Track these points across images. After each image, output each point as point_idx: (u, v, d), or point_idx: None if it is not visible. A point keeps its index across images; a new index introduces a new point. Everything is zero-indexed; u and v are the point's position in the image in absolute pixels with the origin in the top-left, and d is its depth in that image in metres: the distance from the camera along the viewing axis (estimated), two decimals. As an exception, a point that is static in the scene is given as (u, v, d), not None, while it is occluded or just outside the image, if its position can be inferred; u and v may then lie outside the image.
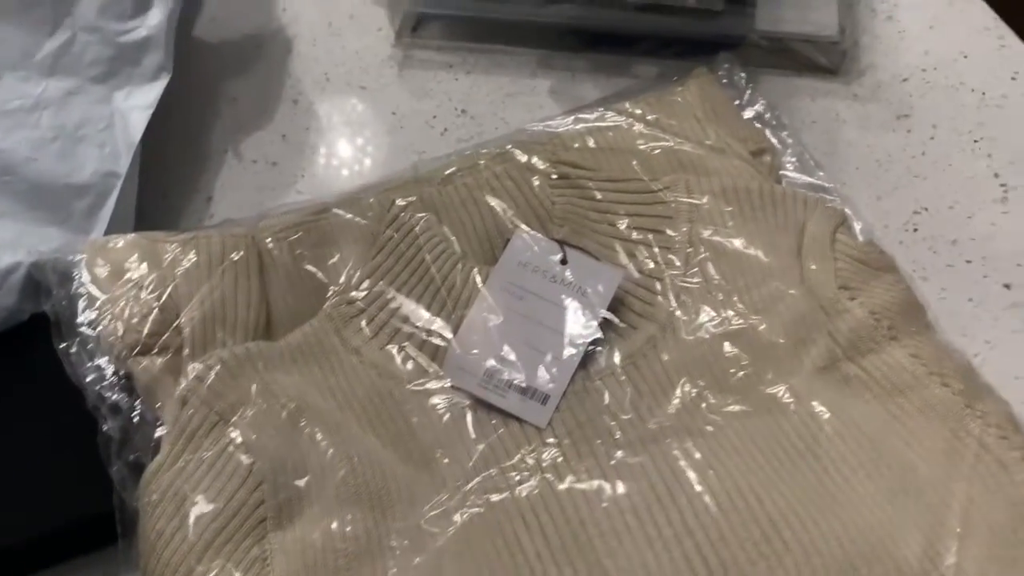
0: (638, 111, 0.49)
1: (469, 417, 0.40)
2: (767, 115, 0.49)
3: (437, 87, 0.54)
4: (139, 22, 0.46)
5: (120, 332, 0.39)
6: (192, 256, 0.42)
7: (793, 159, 0.48)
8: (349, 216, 0.44)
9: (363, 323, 0.42)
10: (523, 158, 0.47)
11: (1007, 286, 0.45)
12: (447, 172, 0.47)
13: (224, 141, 0.52)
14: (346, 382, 0.41)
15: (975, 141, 0.50)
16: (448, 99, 0.54)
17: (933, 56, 0.53)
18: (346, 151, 0.52)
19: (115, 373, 0.38)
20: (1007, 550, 0.35)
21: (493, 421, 0.40)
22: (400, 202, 0.45)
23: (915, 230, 0.47)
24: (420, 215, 0.44)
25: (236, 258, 0.42)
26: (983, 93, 0.52)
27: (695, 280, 0.42)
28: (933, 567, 0.34)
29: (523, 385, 0.40)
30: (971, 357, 0.43)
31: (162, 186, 0.50)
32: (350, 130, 0.53)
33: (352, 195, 0.46)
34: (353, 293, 0.42)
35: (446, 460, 0.39)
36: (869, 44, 0.54)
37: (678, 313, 0.41)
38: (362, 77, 0.55)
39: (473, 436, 0.39)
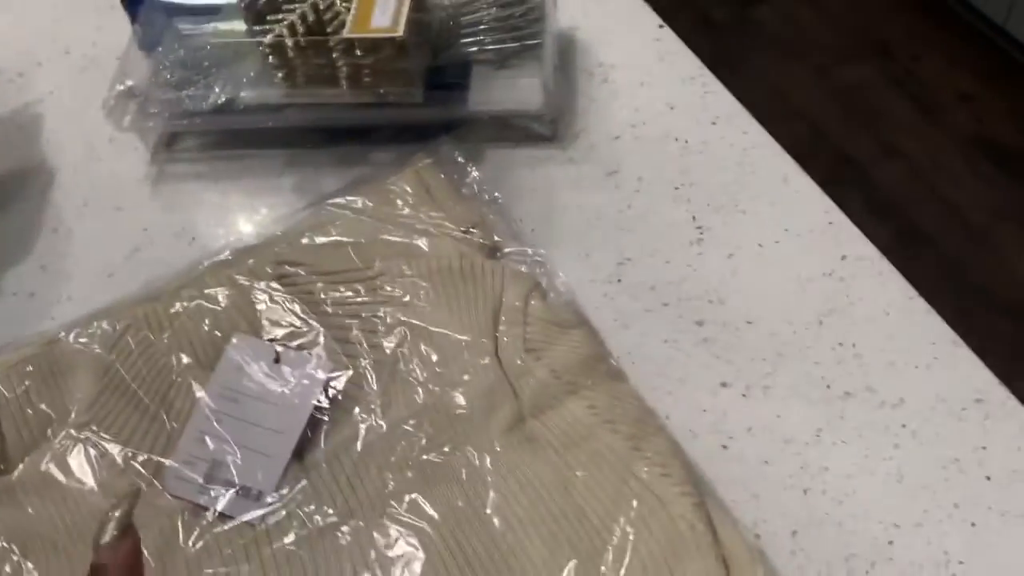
0: (356, 203, 0.52)
1: (183, 525, 0.42)
2: (482, 191, 0.53)
3: (189, 198, 0.57)
4: None
5: None
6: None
7: (505, 229, 0.51)
8: (77, 344, 0.47)
9: (87, 451, 0.44)
10: (246, 264, 0.50)
11: (699, 323, 0.48)
12: (175, 287, 0.50)
13: (-13, 277, 0.55)
14: (74, 509, 0.43)
15: (675, 188, 0.54)
16: (198, 208, 0.57)
17: (642, 112, 0.57)
18: (99, 273, 0.54)
19: None
20: (659, 581, 0.38)
21: (209, 523, 0.42)
22: (123, 325, 0.48)
23: (619, 281, 0.51)
24: (143, 334, 0.47)
25: (-35, 400, 0.45)
26: (686, 141, 0.56)
27: (398, 365, 0.45)
28: (584, 607, 0.37)
29: (239, 485, 0.43)
30: (665, 395, 0.46)
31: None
32: (105, 252, 0.55)
33: (86, 319, 0.49)
34: (79, 421, 0.45)
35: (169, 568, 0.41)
36: (585, 107, 0.58)
37: (379, 402, 0.45)
38: (118, 198, 0.58)
39: (190, 544, 0.42)
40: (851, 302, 0.48)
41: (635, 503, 0.40)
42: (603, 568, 0.38)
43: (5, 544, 0.41)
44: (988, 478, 0.42)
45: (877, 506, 0.42)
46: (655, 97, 0.58)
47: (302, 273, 0.49)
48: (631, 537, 0.39)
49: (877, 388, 0.45)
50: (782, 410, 0.45)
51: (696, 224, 0.52)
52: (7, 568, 0.41)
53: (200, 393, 0.45)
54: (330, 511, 0.42)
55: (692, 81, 0.58)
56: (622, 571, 0.38)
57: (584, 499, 0.40)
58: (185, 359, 0.47)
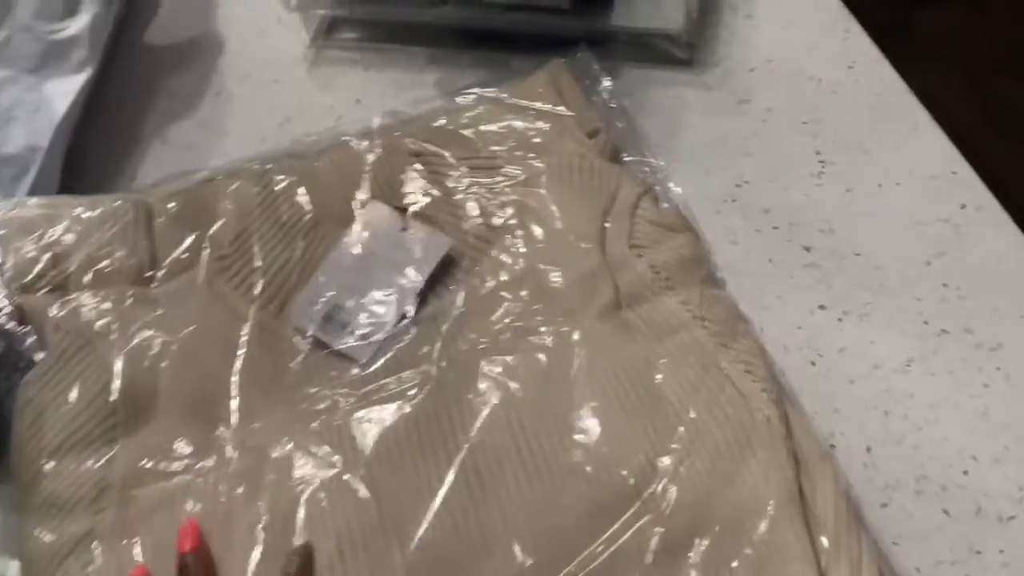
0: (490, 93, 0.55)
1: (303, 355, 0.47)
2: (611, 100, 0.55)
3: (339, 81, 0.62)
4: (68, 23, 0.55)
5: (14, 271, 0.47)
6: (88, 213, 0.50)
7: (629, 138, 0.54)
8: (227, 183, 0.52)
9: (230, 275, 0.49)
10: (386, 138, 0.54)
11: (807, 248, 0.50)
12: (321, 148, 0.54)
13: (155, 130, 0.61)
14: (209, 322, 0.48)
15: (803, 123, 0.54)
16: (347, 91, 0.61)
17: (781, 48, 0.58)
18: (252, 135, 0.59)
19: (9, 304, 0.46)
20: (729, 464, 0.40)
21: (325, 357, 0.47)
22: (272, 171, 0.52)
23: (733, 200, 0.52)
24: (288, 182, 0.52)
25: (127, 216, 0.50)
26: (820, 80, 0.56)
27: (505, 237, 0.48)
28: (654, 472, 0.39)
29: (354, 327, 0.47)
30: (761, 308, 0.48)
31: (96, 169, 0.59)
32: (259, 117, 0.60)
33: (235, 167, 0.54)
34: (221, 253, 0.50)
35: (279, 386, 0.46)
36: (725, 38, 0.59)
37: (483, 269, 0.48)
38: (277, 73, 0.63)
39: (301, 369, 0.46)
40: (963, 248, 0.48)
41: (714, 391, 0.42)
42: (674, 444, 0.40)
43: (154, 338, 0.46)
44: (1077, 429, 0.42)
45: (957, 437, 0.43)
46: (795, 36, 0.59)
47: (434, 151, 0.53)
48: (707, 422, 0.41)
49: (976, 330, 0.46)
50: (876, 337, 0.46)
51: (819, 158, 0.53)
52: (145, 360, 0.46)
53: (332, 245, 0.50)
54: (430, 359, 0.45)
55: (834, 24, 0.59)
56: (693, 449, 0.40)
57: (665, 381, 0.42)
58: (321, 212, 0.51)
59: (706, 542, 0.38)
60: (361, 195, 0.51)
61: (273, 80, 0.62)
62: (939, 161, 0.52)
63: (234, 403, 0.45)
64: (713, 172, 0.53)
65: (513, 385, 0.43)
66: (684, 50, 0.58)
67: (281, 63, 0.63)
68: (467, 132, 0.53)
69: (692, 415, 0.41)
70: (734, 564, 0.37)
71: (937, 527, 0.41)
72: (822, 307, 0.47)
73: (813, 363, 0.46)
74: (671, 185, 0.51)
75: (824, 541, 0.37)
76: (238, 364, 0.46)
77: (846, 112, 0.55)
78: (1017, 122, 1.43)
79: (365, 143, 0.53)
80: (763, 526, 0.38)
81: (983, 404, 0.43)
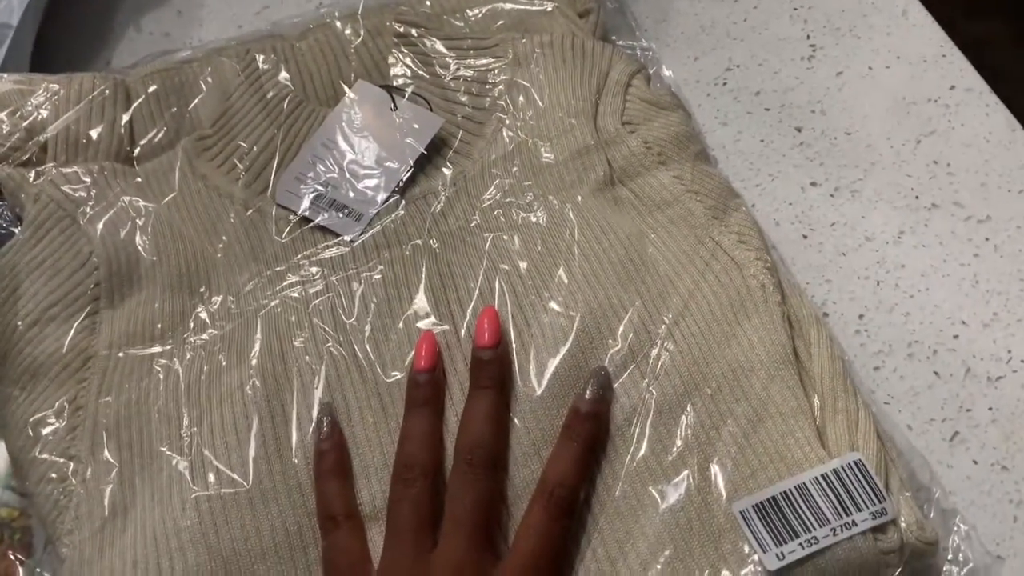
0: (480, -24, 0.54)
1: (287, 230, 0.46)
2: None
3: (319, -34, 0.60)
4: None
5: (-13, 144, 0.45)
6: (64, 89, 0.48)
7: (620, 21, 0.53)
8: (207, 64, 0.50)
9: (212, 155, 0.48)
10: (371, 19, 0.52)
11: (798, 129, 0.49)
12: (303, 30, 0.53)
13: (128, 18, 0.59)
14: (190, 200, 0.47)
15: (795, 9, 0.54)
16: (327, -24, 0.59)
17: (770, -65, 0.58)
18: (228, 22, 0.58)
19: (-16, 178, 0.45)
20: (723, 327, 0.40)
21: (311, 232, 0.46)
22: (254, 52, 0.51)
23: (724, 84, 0.52)
24: (270, 62, 0.50)
25: (103, 92, 0.48)
26: (811, -34, 0.56)
27: (496, 118, 0.47)
28: (647, 335, 0.39)
29: (341, 204, 0.46)
30: (754, 187, 0.48)
31: (68, 55, 0.57)
32: (236, 5, 0.58)
33: (215, 48, 0.52)
34: (204, 134, 0.48)
35: (263, 259, 0.45)
36: (715, -74, 0.59)
37: (473, 147, 0.47)
38: (255, -40, 0.61)
39: (288, 243, 0.45)
40: (952, 127, 0.48)
41: (707, 259, 0.42)
42: (667, 309, 0.40)
43: (138, 211, 0.45)
44: (1064, 295, 0.43)
45: (948, 303, 0.43)
46: (785, -76, 0.58)
47: (421, 34, 0.51)
48: (700, 286, 0.41)
49: (965, 204, 0.46)
50: (867, 212, 0.46)
51: (810, 43, 0.53)
52: (126, 231, 0.44)
53: (318, 124, 0.48)
54: (419, 236, 0.44)
55: (827, -87, 0.58)
56: (687, 313, 0.40)
57: (659, 251, 0.42)
58: (306, 92, 0.50)
59: (701, 402, 0.38)
60: (348, 76, 0.50)
61: (250, -33, 0.61)
62: (929, 45, 0.52)
63: (218, 277, 0.44)
64: (703, 57, 0.53)
65: (504, 266, 0.42)
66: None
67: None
68: (455, 14, 0.52)
69: (686, 282, 0.41)
70: (729, 421, 0.37)
71: (928, 387, 0.41)
72: (814, 184, 0.47)
73: (805, 236, 0.46)
74: (665, 68, 0.51)
75: (818, 400, 0.38)
76: (224, 239, 0.45)
77: (835, -2, 0.54)
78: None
79: (349, 25, 0.52)
80: (758, 384, 0.38)
81: (972, 272, 0.44)
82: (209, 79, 0.50)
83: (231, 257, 0.45)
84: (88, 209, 0.45)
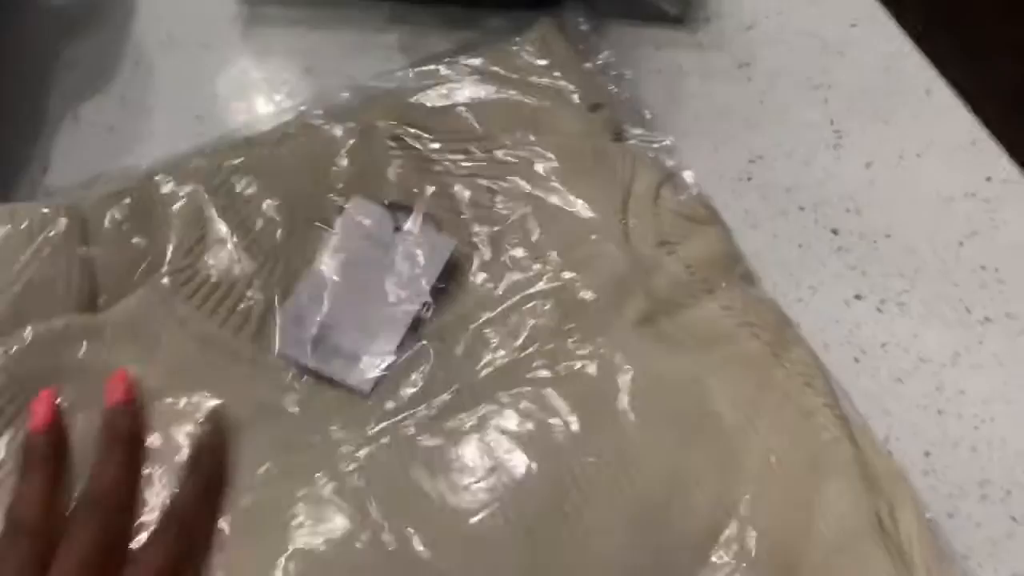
0: (477, 63, 0.48)
1: (296, 393, 0.40)
2: (609, 67, 0.49)
3: (281, 45, 0.53)
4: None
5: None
6: (8, 228, 0.41)
7: (631, 112, 0.48)
8: (175, 182, 0.44)
9: (190, 294, 0.42)
10: (360, 118, 0.46)
11: (835, 231, 0.46)
12: (281, 133, 0.46)
13: (63, 107, 0.51)
14: (170, 354, 0.40)
15: (814, 88, 0.50)
16: (292, 57, 0.53)
17: (779, 3, 0.53)
18: (185, 113, 0.51)
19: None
20: (802, 492, 0.36)
21: (320, 386, 0.40)
22: (228, 165, 0.44)
23: (749, 179, 0.48)
24: (247, 179, 0.44)
25: (58, 230, 0.41)
26: (824, 40, 0.52)
27: (515, 239, 0.42)
28: (725, 512, 0.35)
29: (350, 351, 0.41)
30: (795, 301, 0.44)
31: (-4, 156, 0.49)
32: (190, 91, 0.51)
33: (182, 158, 0.45)
34: (181, 263, 0.42)
35: (267, 427, 0.39)
36: (716, -9, 0.54)
37: (496, 282, 0.42)
38: (206, 36, 0.53)
39: (296, 409, 0.40)
40: (995, 225, 0.46)
41: (774, 411, 0.38)
42: (742, 477, 0.36)
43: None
44: None
45: (1015, 434, 0.41)
46: (792, -11, 0.54)
47: (414, 133, 0.46)
48: (772, 446, 0.37)
49: (1019, 315, 0.43)
50: (918, 329, 0.43)
51: (834, 128, 0.49)
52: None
53: (312, 252, 0.43)
54: (445, 387, 0.39)
55: (832, -24, 0.55)
56: (762, 482, 0.36)
57: (719, 403, 0.38)
58: (289, 211, 0.44)
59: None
60: (340, 190, 0.44)
61: (201, 45, 0.53)
62: (957, 130, 0.49)
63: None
64: (721, 147, 0.49)
65: (553, 421, 0.38)
66: (675, 5, 0.52)
67: (210, 24, 0.54)
68: (453, 110, 0.47)
69: (754, 442, 0.37)
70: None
71: (1007, 536, 0.39)
72: (858, 297, 0.44)
73: (857, 360, 0.43)
74: (686, 174, 0.47)
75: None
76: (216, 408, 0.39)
77: (856, 76, 0.51)
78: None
79: (339, 126, 0.46)
80: (851, 565, 0.34)
81: (1036, 397, 0.42)
82: (178, 203, 0.43)
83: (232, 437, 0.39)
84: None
